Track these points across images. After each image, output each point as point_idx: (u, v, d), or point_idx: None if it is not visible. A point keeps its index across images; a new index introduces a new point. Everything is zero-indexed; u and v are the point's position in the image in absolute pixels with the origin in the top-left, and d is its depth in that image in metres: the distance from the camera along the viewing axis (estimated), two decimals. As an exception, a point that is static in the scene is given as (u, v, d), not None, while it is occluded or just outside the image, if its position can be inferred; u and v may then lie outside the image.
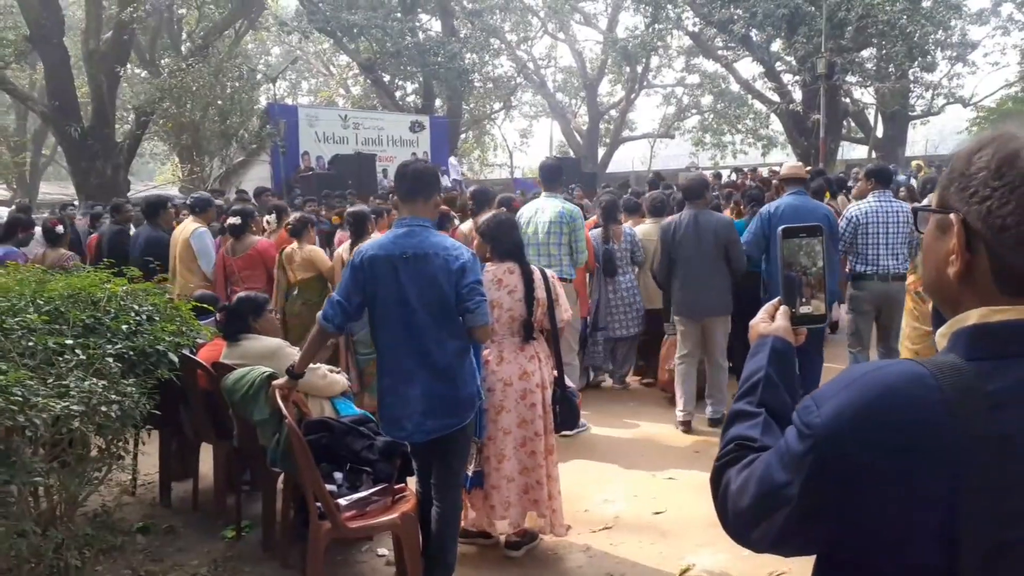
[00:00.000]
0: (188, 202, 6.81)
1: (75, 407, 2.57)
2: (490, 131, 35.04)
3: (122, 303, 3.38)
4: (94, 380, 2.77)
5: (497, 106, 31.12)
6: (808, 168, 16.23)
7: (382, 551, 3.86)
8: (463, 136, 29.76)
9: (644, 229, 6.72)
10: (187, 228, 6.37)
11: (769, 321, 1.34)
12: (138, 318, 3.36)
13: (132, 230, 7.77)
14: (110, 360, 2.95)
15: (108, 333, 3.17)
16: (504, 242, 3.77)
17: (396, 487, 3.47)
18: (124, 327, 3.23)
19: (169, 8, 19.90)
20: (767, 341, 1.29)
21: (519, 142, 37.09)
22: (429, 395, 3.12)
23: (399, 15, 23.43)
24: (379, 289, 3.12)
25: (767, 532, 1.06)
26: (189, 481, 4.52)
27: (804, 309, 1.33)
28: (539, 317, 3.77)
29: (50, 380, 2.73)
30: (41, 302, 3.21)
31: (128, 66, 19.54)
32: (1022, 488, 0.91)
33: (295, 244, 6.02)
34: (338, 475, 3.44)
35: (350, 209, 6.66)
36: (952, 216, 1.01)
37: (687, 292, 5.49)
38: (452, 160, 22.86)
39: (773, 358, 1.26)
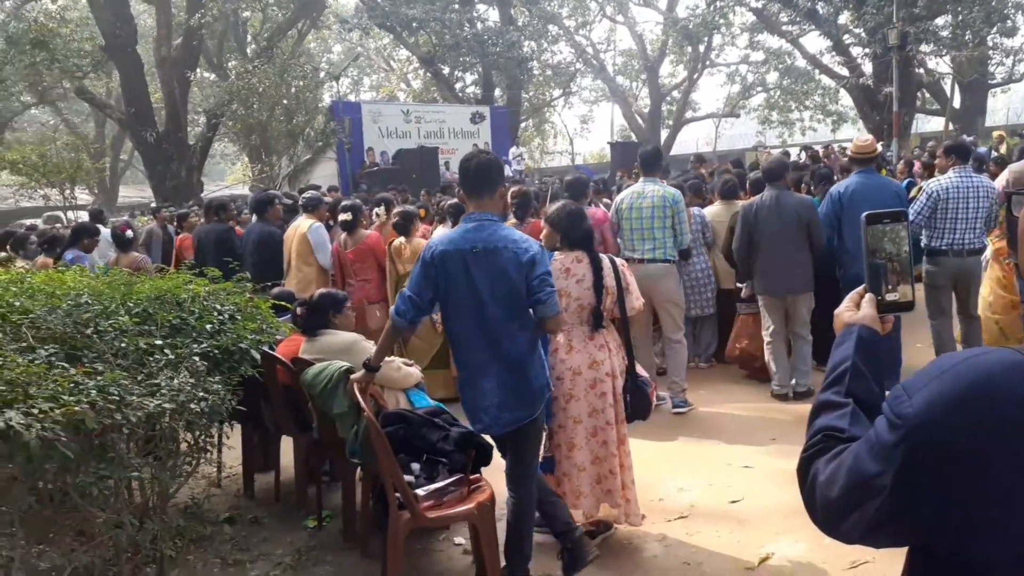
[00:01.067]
0: (301, 202, 7.04)
1: (166, 404, 2.69)
2: (550, 119, 34.94)
3: (205, 303, 3.51)
4: (182, 378, 2.89)
5: (556, 93, 31.00)
6: (881, 143, 15.68)
7: (459, 540, 3.93)
8: (523, 125, 29.74)
9: (713, 211, 6.85)
10: (303, 224, 6.59)
11: (855, 309, 1.31)
12: (221, 317, 3.49)
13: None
14: (197, 359, 3.07)
15: (194, 333, 3.31)
16: (573, 231, 3.77)
17: (472, 477, 3.52)
18: (208, 327, 3.37)
19: (235, 12, 20.42)
20: (853, 330, 1.27)
21: (579, 128, 36.96)
22: (503, 387, 3.16)
23: (457, 7, 23.51)
24: (450, 284, 3.16)
25: (858, 523, 1.04)
26: (271, 473, 4.67)
27: (891, 296, 1.31)
28: (608, 306, 3.76)
29: (142, 379, 2.86)
30: (131, 304, 3.36)
31: (198, 70, 20.19)
32: None
33: (403, 237, 6.21)
34: (415, 466, 3.51)
35: (397, 209, 6.81)
36: None
37: (770, 271, 5.65)
38: (514, 150, 22.89)
39: (860, 347, 1.24)
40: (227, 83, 18.46)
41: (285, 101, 17.64)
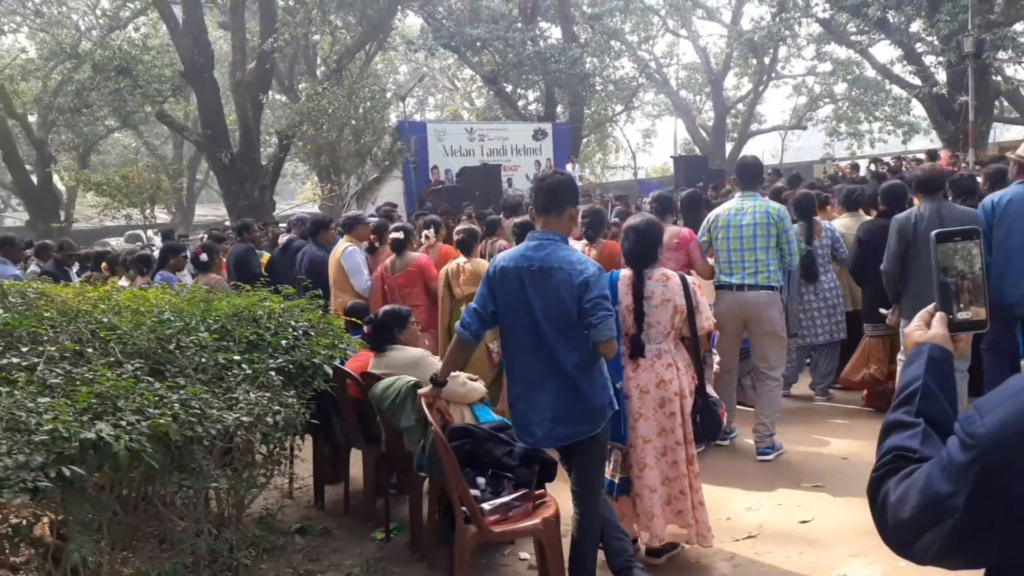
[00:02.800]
0: (340, 222, 6.99)
1: (243, 418, 2.79)
2: (612, 133, 34.87)
3: (280, 320, 3.64)
4: (259, 392, 3.00)
5: (619, 108, 30.94)
6: (957, 153, 15.04)
7: (524, 555, 3.94)
8: (585, 140, 29.76)
9: (843, 223, 6.33)
10: (339, 248, 6.49)
11: (925, 329, 1.30)
12: (295, 333, 3.61)
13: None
14: (272, 373, 3.19)
15: (269, 348, 3.43)
16: (631, 250, 3.77)
17: (537, 492, 3.54)
18: (283, 342, 3.48)
19: (305, 36, 21.07)
20: (924, 349, 1.26)
21: (642, 143, 36.73)
22: (560, 402, 3.17)
23: (519, 25, 23.76)
24: (508, 299, 3.21)
25: (931, 544, 1.04)
26: (341, 485, 4.77)
27: (963, 315, 1.29)
28: (677, 324, 3.74)
29: (220, 393, 2.98)
30: (210, 321, 3.51)
31: (270, 93, 20.84)
32: None
33: (461, 258, 5.89)
34: (481, 480, 3.55)
35: (461, 227, 6.71)
36: None
37: (927, 292, 4.94)
38: (569, 166, 22.93)
39: (931, 366, 1.23)
40: (298, 105, 19.04)
41: (353, 122, 18.07)
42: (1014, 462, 0.93)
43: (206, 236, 11.52)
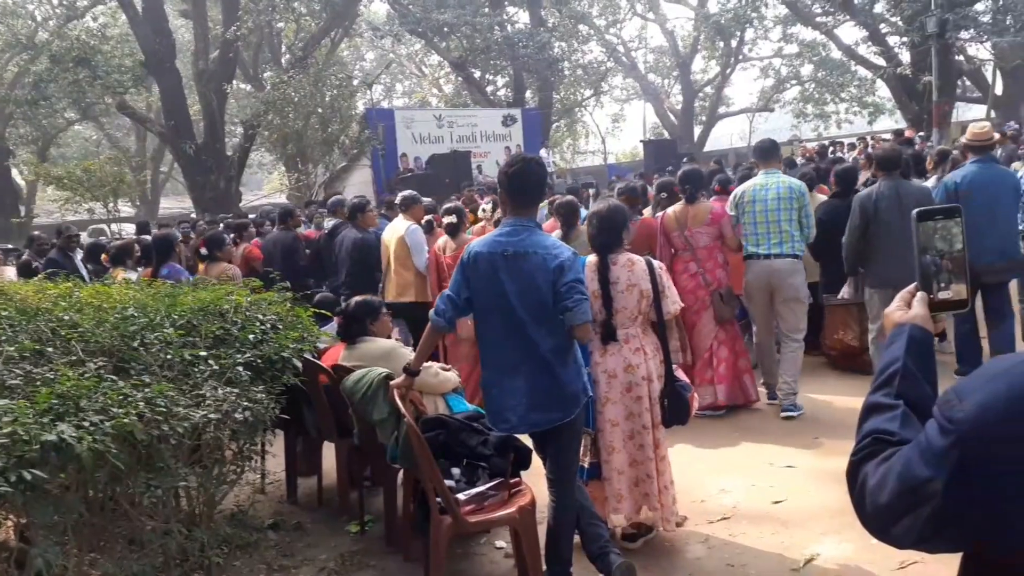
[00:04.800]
0: (397, 201, 6.93)
1: (211, 415, 2.74)
2: (581, 118, 34.87)
3: (247, 314, 3.58)
4: (227, 388, 2.95)
5: (588, 93, 30.93)
6: (921, 133, 15.31)
7: (500, 543, 3.94)
8: (555, 125, 29.73)
9: None
10: (400, 226, 6.47)
11: (906, 309, 1.29)
12: (263, 327, 3.55)
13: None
14: (240, 369, 3.14)
15: (237, 343, 3.37)
16: (596, 236, 3.76)
17: (512, 481, 3.53)
18: (251, 337, 3.43)
19: (269, 23, 20.75)
20: (904, 329, 1.25)
21: (611, 127, 36.75)
22: (533, 388, 3.15)
23: (487, 10, 23.60)
24: (482, 285, 3.19)
25: (910, 529, 1.03)
26: (314, 478, 4.73)
27: (943, 295, 1.28)
28: (644, 309, 3.74)
29: (187, 390, 2.93)
30: (175, 316, 3.44)
31: (234, 82, 20.53)
32: None
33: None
34: (455, 471, 3.53)
35: (450, 205, 6.76)
36: None
37: (892, 262, 5.29)
38: (543, 152, 22.89)
39: (911, 347, 1.22)
40: (263, 94, 18.78)
41: (320, 110, 17.88)
42: (993, 447, 0.92)
43: (182, 227, 11.26)
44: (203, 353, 3.14)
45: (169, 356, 3.09)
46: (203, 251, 6.36)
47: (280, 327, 3.69)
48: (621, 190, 5.94)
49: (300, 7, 21.62)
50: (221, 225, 10.09)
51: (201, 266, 6.38)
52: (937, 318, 1.29)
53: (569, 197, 6.44)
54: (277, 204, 17.23)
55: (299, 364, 3.65)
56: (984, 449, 0.93)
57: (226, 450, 3.30)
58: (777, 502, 4.19)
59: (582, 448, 3.71)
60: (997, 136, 6.06)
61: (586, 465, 3.75)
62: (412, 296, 6.26)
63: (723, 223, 5.55)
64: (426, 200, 7.48)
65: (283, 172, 22.17)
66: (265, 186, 34.56)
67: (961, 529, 0.99)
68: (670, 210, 5.72)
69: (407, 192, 6.91)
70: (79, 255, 8.25)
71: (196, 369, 3.08)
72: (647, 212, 6.59)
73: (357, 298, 4.28)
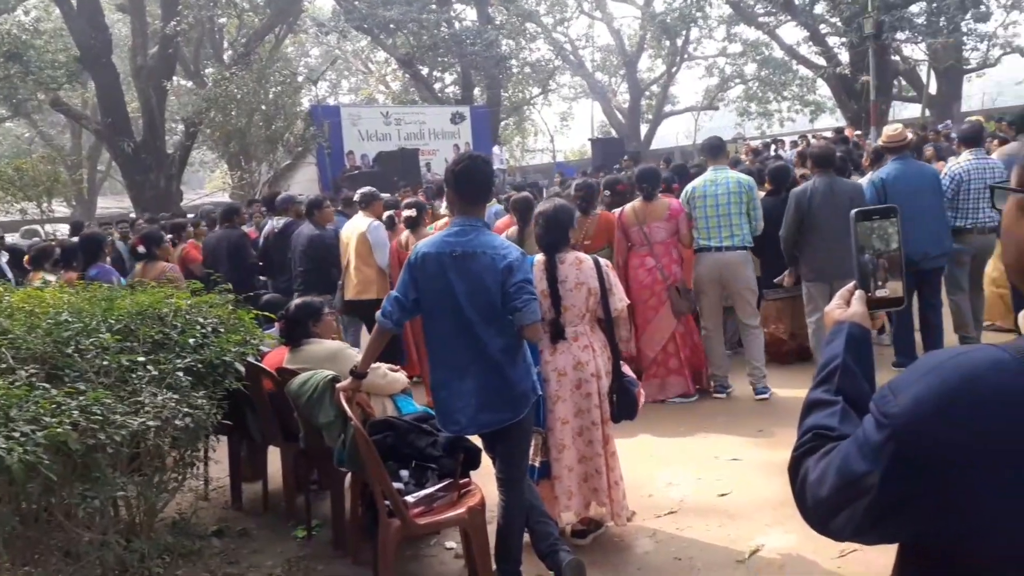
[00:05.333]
0: (356, 197, 6.79)
1: (150, 422, 2.67)
2: (530, 116, 34.95)
3: (187, 318, 3.49)
4: (166, 394, 2.87)
5: (536, 91, 31.01)
6: (858, 132, 15.75)
7: (450, 544, 3.93)
8: (503, 123, 29.74)
9: None
10: (360, 223, 6.38)
11: (845, 307, 1.31)
12: (204, 331, 3.47)
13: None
14: (180, 374, 3.05)
15: (177, 348, 3.28)
16: (542, 236, 3.77)
17: (461, 482, 3.52)
18: (191, 341, 3.34)
19: (210, 19, 20.29)
20: (843, 327, 1.27)
21: (559, 125, 36.92)
22: (483, 388, 3.14)
23: (434, 7, 23.48)
24: (430, 285, 3.17)
25: (848, 522, 1.05)
26: (259, 483, 4.64)
27: (880, 293, 1.31)
28: (591, 306, 3.76)
29: (125, 397, 2.84)
30: (112, 321, 3.33)
31: (175, 79, 20.04)
32: None
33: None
34: (404, 473, 3.50)
35: (411, 200, 6.73)
36: None
37: (823, 256, 5.55)
38: (496, 149, 22.89)
39: (850, 344, 1.24)
40: (204, 90, 18.37)
41: (263, 107, 17.56)
42: (926, 441, 0.94)
43: (120, 226, 10.91)
44: (141, 358, 3.04)
45: (106, 362, 2.99)
46: (140, 249, 6.07)
47: (222, 330, 3.61)
48: (579, 186, 5.99)
49: (243, 2, 21.21)
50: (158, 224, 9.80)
51: (138, 266, 6.11)
52: (875, 315, 1.32)
53: (524, 194, 6.46)
54: (220, 203, 16.89)
55: (241, 368, 3.57)
56: (917, 443, 0.95)
57: (167, 457, 3.22)
58: (723, 495, 4.26)
59: (533, 447, 3.72)
60: (910, 136, 6.41)
61: (537, 464, 3.76)
62: (373, 294, 6.19)
63: (680, 219, 5.71)
64: (385, 196, 7.43)
65: (226, 170, 21.72)
66: (207, 185, 33.78)
67: (897, 521, 1.01)
68: (628, 206, 5.84)
69: (366, 188, 6.83)
70: (4, 258, 7.95)
71: (134, 375, 2.99)
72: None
73: (298, 300, 4.20)
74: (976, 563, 0.95)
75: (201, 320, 3.55)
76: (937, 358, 0.99)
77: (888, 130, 6.11)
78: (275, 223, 7.51)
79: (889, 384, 1.02)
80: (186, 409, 2.93)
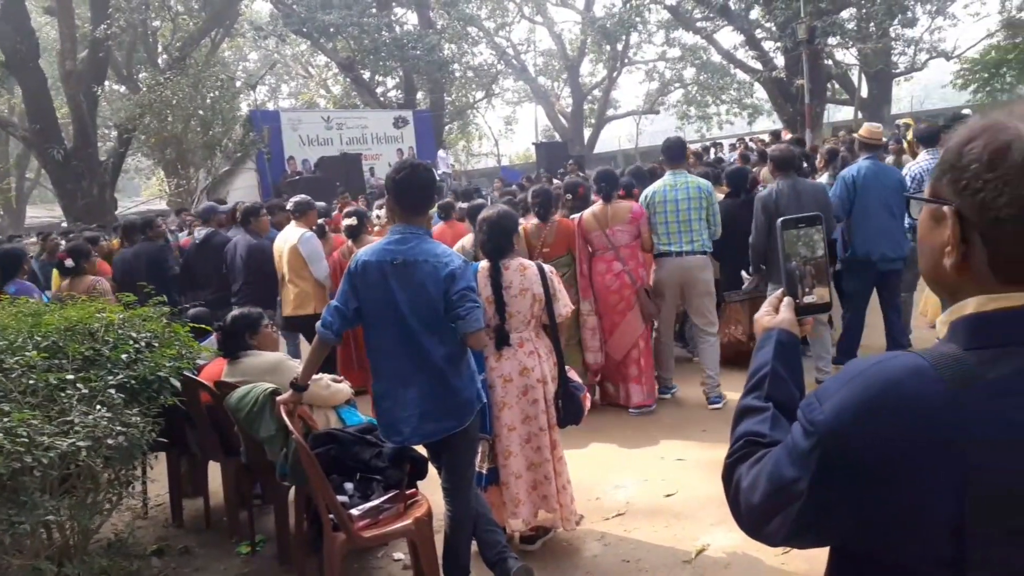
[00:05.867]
0: (289, 206, 6.37)
1: (80, 443, 2.57)
2: (474, 120, 34.95)
3: (119, 333, 3.37)
4: (98, 413, 2.77)
5: (479, 95, 31.01)
6: (793, 135, 16.16)
7: (398, 555, 3.88)
8: (447, 128, 29.66)
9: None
10: (292, 234, 6.07)
11: (774, 314, 1.33)
12: (137, 346, 3.36)
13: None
14: (112, 391, 2.95)
15: (108, 364, 3.17)
16: (487, 242, 3.76)
17: (408, 492, 3.48)
18: (124, 356, 3.23)
19: (143, 22, 19.75)
20: (772, 334, 1.29)
21: (504, 130, 37.00)
22: (426, 397, 3.11)
23: (374, 11, 23.30)
24: (371, 294, 3.13)
25: (781, 527, 1.06)
26: (200, 499, 4.53)
27: (808, 299, 1.33)
28: (536, 312, 3.77)
29: (54, 416, 2.73)
30: (39, 338, 3.20)
31: (106, 84, 19.46)
32: None
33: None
34: (348, 486, 3.45)
35: (351, 208, 6.52)
36: (946, 208, 1.00)
37: None
38: (441, 153, 22.82)
39: (779, 351, 1.26)
40: (138, 96, 17.83)
41: (200, 112, 17.15)
42: (852, 448, 0.96)
43: (43, 239, 10.49)
44: (70, 376, 2.93)
45: (32, 381, 2.86)
46: (68, 263, 5.79)
47: (156, 345, 3.50)
48: (536, 192, 5.88)
49: (177, 5, 20.75)
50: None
51: (63, 282, 5.83)
52: (803, 321, 1.34)
53: (479, 201, 6.38)
54: (162, 211, 16.45)
55: (177, 383, 3.47)
56: (842, 449, 0.97)
57: (100, 477, 3.10)
58: (669, 495, 4.31)
59: (480, 455, 3.70)
60: (884, 140, 6.61)
61: (484, 471, 3.74)
62: (311, 308, 5.90)
63: (642, 222, 5.64)
64: (321, 204, 7.21)
65: (163, 178, 21.15)
66: (144, 192, 32.89)
67: (826, 526, 1.03)
68: (587, 211, 5.75)
69: (300, 197, 6.45)
70: None
71: (63, 394, 2.87)
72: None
73: (234, 312, 4.10)
74: (900, 564, 0.97)
75: (134, 335, 3.43)
76: (859, 366, 1.01)
77: (870, 127, 6.18)
78: (196, 234, 7.23)
79: (815, 392, 1.04)
80: (119, 427, 2.83)
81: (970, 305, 0.99)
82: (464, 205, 7.21)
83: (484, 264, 3.76)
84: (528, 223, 5.68)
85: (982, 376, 0.93)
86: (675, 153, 5.87)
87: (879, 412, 0.95)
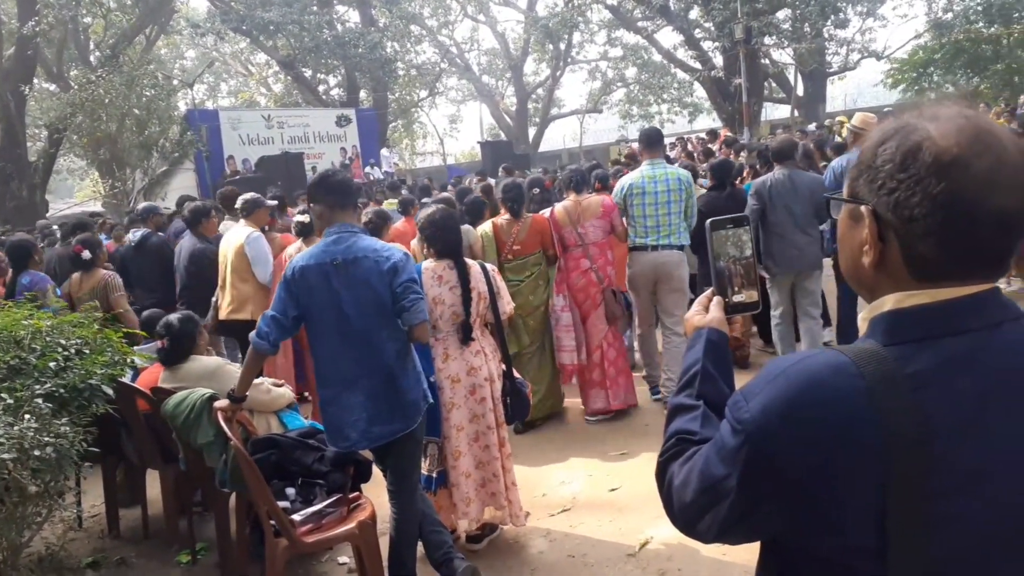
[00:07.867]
0: (237, 205, 6.02)
1: (5, 455, 2.48)
2: (419, 119, 34.76)
3: (47, 340, 3.26)
4: (24, 424, 2.67)
5: (423, 93, 30.84)
6: (728, 134, 16.43)
7: (343, 559, 3.85)
8: (392, 126, 29.44)
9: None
10: (239, 234, 5.72)
11: (704, 313, 1.35)
12: (66, 353, 3.25)
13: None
14: (40, 401, 2.84)
15: (35, 373, 3.06)
16: (436, 241, 3.75)
17: (351, 496, 3.45)
18: (52, 364, 3.12)
19: (74, 19, 19.11)
20: (702, 333, 1.31)
21: (448, 128, 36.89)
22: (373, 400, 3.09)
23: (315, 9, 22.97)
24: (313, 299, 3.09)
25: (712, 524, 1.08)
26: (138, 508, 4.41)
27: (737, 298, 1.35)
28: (481, 311, 3.77)
29: (-23, 428, 2.63)
30: (-41, 347, 3.08)
31: (36, 82, 18.79)
32: (945, 466, 0.93)
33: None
34: (290, 491, 3.39)
35: (301, 207, 6.30)
36: (863, 208, 1.02)
37: (784, 248, 5.53)
38: (384, 151, 22.64)
39: (709, 350, 1.28)
40: (69, 94, 17.25)
41: (136, 111, 16.68)
42: (778, 445, 0.98)
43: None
44: (-6, 386, 2.82)
45: (-47, 392, 2.76)
46: (85, 255, 5.45)
47: (87, 352, 3.39)
48: (506, 187, 5.66)
49: (109, 2, 20.11)
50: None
51: (75, 275, 5.55)
52: (732, 320, 1.36)
53: (444, 194, 6.22)
54: (96, 212, 15.92)
55: (110, 391, 3.36)
56: (768, 447, 0.99)
57: (28, 489, 3.00)
58: (613, 490, 4.36)
59: (430, 459, 3.70)
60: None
61: (434, 475, 3.73)
62: (248, 313, 5.56)
63: (613, 215, 5.46)
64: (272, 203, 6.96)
65: (96, 179, 20.50)
66: (77, 194, 31.82)
67: (755, 522, 1.05)
68: (559, 207, 5.53)
69: (249, 195, 6.09)
70: None
71: (-13, 404, 2.77)
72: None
73: (177, 315, 4.00)
74: (827, 556, 1.00)
75: (63, 342, 3.31)
76: (782, 364, 1.03)
77: (865, 116, 6.17)
78: (132, 235, 6.94)
79: (741, 390, 1.06)
80: (48, 438, 2.73)
81: (888, 302, 1.02)
82: (428, 200, 7.11)
83: (430, 264, 3.75)
84: (499, 219, 5.53)
85: (901, 371, 0.96)
86: (653, 141, 5.65)
87: (802, 409, 0.97)
